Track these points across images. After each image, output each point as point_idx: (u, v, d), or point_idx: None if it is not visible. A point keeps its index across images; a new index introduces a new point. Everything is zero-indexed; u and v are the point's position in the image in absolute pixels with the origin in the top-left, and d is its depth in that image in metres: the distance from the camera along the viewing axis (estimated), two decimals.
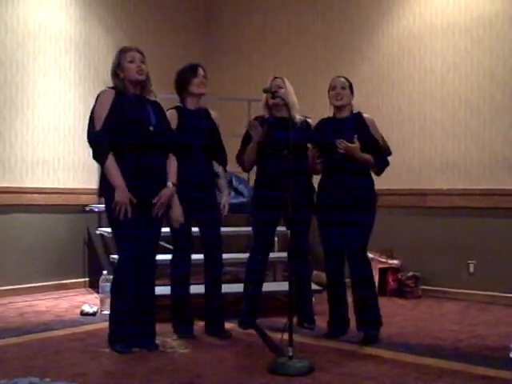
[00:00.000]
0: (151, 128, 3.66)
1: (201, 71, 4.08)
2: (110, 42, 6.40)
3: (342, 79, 4.10)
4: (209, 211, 4.09)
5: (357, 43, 6.28)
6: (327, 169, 4.07)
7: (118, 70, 3.70)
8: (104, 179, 3.69)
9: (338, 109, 4.08)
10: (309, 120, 4.37)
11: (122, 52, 3.73)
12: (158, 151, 3.70)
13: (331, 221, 4.04)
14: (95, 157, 3.67)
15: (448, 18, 5.72)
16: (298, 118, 4.29)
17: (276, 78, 4.32)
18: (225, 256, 4.24)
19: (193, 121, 4.04)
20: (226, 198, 4.18)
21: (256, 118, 4.34)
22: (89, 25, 6.24)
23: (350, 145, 3.87)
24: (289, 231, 3.64)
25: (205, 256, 4.14)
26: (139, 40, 6.47)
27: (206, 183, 4.08)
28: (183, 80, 4.07)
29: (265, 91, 3.90)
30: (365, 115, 4.07)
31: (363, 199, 3.98)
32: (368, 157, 3.94)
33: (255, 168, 4.39)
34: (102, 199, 3.84)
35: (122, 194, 3.56)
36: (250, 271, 4.38)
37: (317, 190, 4.20)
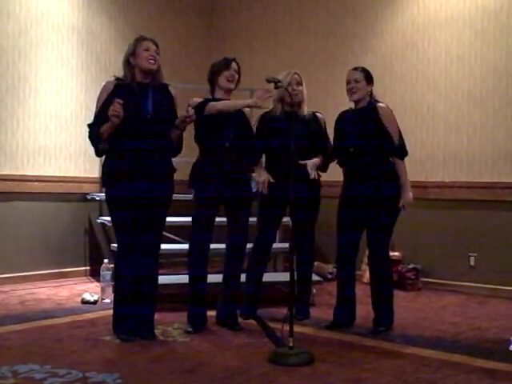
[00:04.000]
0: (148, 116, 3.62)
1: (234, 65, 4.02)
2: (113, 30, 6.38)
3: (356, 72, 4.05)
4: (238, 199, 4.03)
5: (360, 34, 6.25)
6: (342, 162, 4.13)
7: (131, 57, 3.68)
8: (104, 170, 3.71)
9: (354, 102, 4.08)
10: (318, 114, 4.39)
11: (138, 40, 3.71)
12: (159, 137, 3.67)
13: (349, 216, 4.04)
14: (92, 143, 3.69)
15: (452, 10, 5.69)
16: (306, 111, 4.31)
17: (296, 73, 4.25)
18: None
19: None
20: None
21: (263, 114, 4.35)
22: (91, 12, 6.22)
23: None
24: (291, 222, 3.63)
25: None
26: (141, 28, 6.44)
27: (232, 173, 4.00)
28: (215, 71, 4.03)
29: (268, 81, 3.87)
30: (379, 105, 4.01)
31: (383, 195, 3.94)
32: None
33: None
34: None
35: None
36: (252, 262, 4.37)
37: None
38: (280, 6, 6.82)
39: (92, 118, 3.71)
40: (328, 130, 4.32)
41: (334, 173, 4.44)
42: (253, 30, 7.03)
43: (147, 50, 3.67)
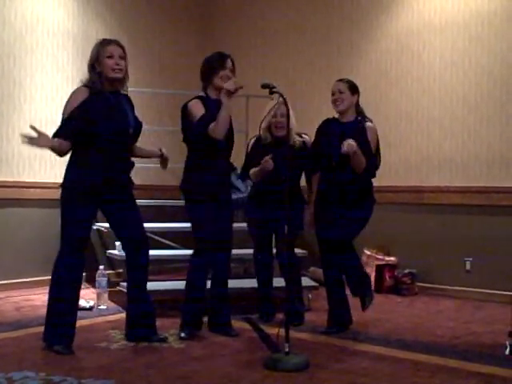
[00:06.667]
0: (131, 130, 3.62)
1: (229, 63, 3.89)
2: (108, 36, 6.30)
3: (340, 83, 4.03)
4: (225, 207, 4.00)
5: (355, 40, 6.27)
6: (323, 175, 4.10)
7: (95, 63, 3.55)
8: (66, 171, 3.66)
9: (340, 113, 4.06)
10: (305, 138, 4.38)
11: (101, 45, 3.58)
12: (129, 150, 3.73)
13: (326, 219, 4.05)
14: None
15: (446, 15, 5.71)
16: (297, 140, 4.30)
17: (284, 103, 3.87)
18: None
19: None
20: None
21: (257, 138, 4.39)
22: (87, 19, 6.22)
23: (352, 144, 3.75)
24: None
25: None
26: (137, 35, 6.48)
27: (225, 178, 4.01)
28: (209, 69, 3.89)
29: (263, 87, 3.86)
30: (368, 125, 4.00)
31: (357, 197, 3.98)
32: (363, 159, 3.86)
33: None
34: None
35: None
36: (258, 270, 4.47)
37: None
38: (277, 13, 6.83)
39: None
40: None
41: None
42: (249, 36, 7.04)
43: (111, 56, 3.53)
